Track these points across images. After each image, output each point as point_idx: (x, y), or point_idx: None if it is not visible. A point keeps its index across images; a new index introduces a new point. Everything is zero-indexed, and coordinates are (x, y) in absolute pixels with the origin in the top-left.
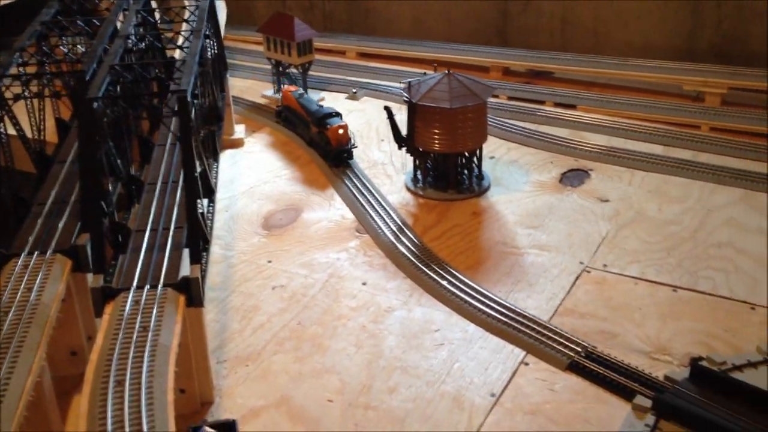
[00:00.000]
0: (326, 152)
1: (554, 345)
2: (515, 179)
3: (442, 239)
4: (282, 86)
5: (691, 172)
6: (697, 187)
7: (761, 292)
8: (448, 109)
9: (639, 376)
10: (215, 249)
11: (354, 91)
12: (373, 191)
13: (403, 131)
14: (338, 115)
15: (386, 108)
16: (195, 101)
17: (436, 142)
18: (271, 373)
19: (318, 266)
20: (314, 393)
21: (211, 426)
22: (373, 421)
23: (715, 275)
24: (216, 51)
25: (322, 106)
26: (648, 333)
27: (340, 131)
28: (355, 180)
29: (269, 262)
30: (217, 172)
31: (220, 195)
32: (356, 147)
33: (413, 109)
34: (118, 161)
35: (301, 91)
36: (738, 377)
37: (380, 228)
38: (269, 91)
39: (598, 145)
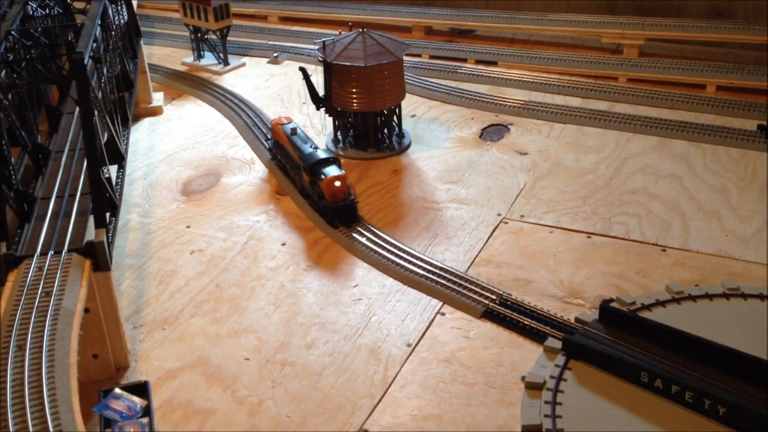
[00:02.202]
0: (320, 208)
1: (470, 294)
2: (436, 136)
3: (362, 197)
4: (274, 118)
5: (607, 123)
6: (613, 136)
7: (672, 234)
8: (364, 67)
9: (551, 320)
10: (133, 217)
11: (275, 55)
12: None
13: (322, 92)
14: (336, 161)
15: (301, 68)
16: (99, 66)
17: (354, 101)
18: (188, 336)
19: (237, 229)
20: (231, 352)
21: (123, 388)
22: (290, 376)
23: (628, 220)
24: (126, 17)
25: (316, 148)
26: (562, 278)
27: (337, 183)
28: None
29: (188, 227)
30: (127, 139)
31: (138, 163)
32: (357, 202)
33: (329, 69)
34: (23, 132)
35: (293, 125)
36: (646, 316)
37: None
38: (189, 58)
39: (518, 100)
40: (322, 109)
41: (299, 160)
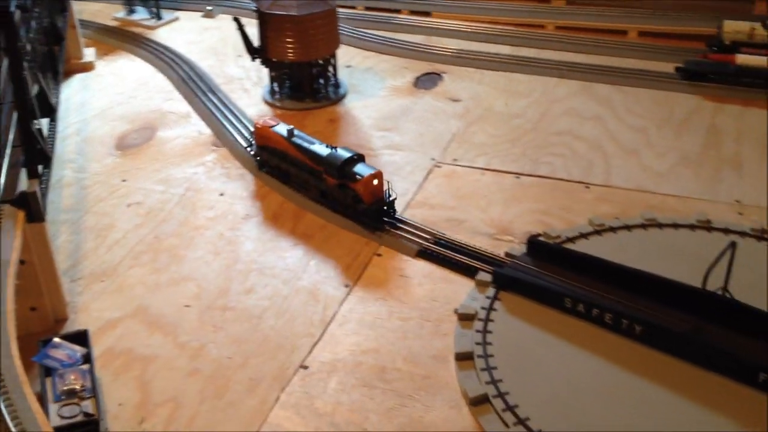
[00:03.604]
0: (356, 212)
1: (405, 235)
2: (371, 85)
3: None
4: (258, 121)
5: (536, 69)
6: (541, 82)
7: (595, 172)
8: (297, 16)
9: (483, 255)
10: (67, 173)
11: (209, 8)
12: (229, 106)
13: (257, 43)
14: (362, 157)
15: (235, 19)
16: (26, 16)
17: (289, 51)
18: (127, 286)
19: (175, 181)
20: (171, 300)
21: (63, 337)
22: (230, 320)
23: (555, 160)
24: None
25: (333, 147)
26: (492, 217)
27: (375, 182)
28: (211, 96)
29: (124, 181)
30: (58, 92)
31: (70, 119)
32: (395, 198)
33: (263, 19)
34: None
35: (287, 125)
36: (570, 248)
37: (237, 140)
38: (120, 13)
39: (451, 49)
40: (257, 61)
41: (316, 163)
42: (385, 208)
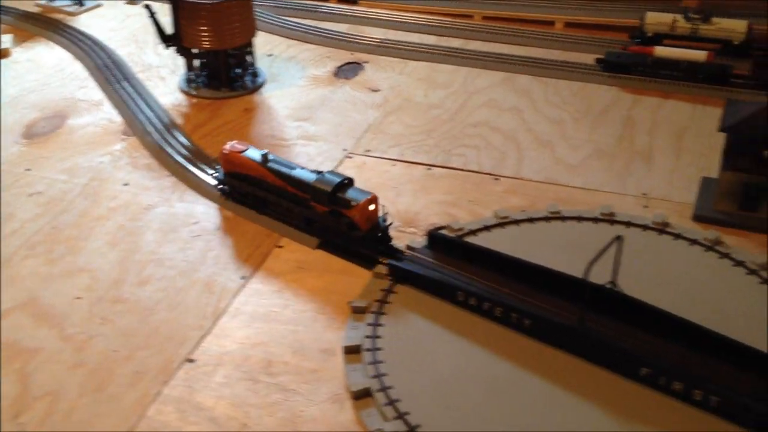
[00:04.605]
0: (349, 240)
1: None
2: (291, 75)
3: (211, 136)
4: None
5: (459, 59)
6: (463, 72)
7: (507, 164)
8: (211, 3)
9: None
10: None
11: None
12: (143, 94)
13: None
14: (351, 181)
15: (146, 6)
16: None
17: (204, 39)
18: (19, 278)
19: (79, 171)
20: (63, 292)
21: None
22: (121, 312)
23: (468, 152)
24: None
25: (320, 172)
26: (399, 209)
27: (371, 207)
28: (125, 84)
29: (28, 170)
30: None
31: None
32: (391, 223)
33: (176, 6)
34: None
35: (263, 151)
36: (471, 240)
37: (147, 129)
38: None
39: (375, 38)
40: (172, 49)
41: (300, 190)
42: (380, 234)
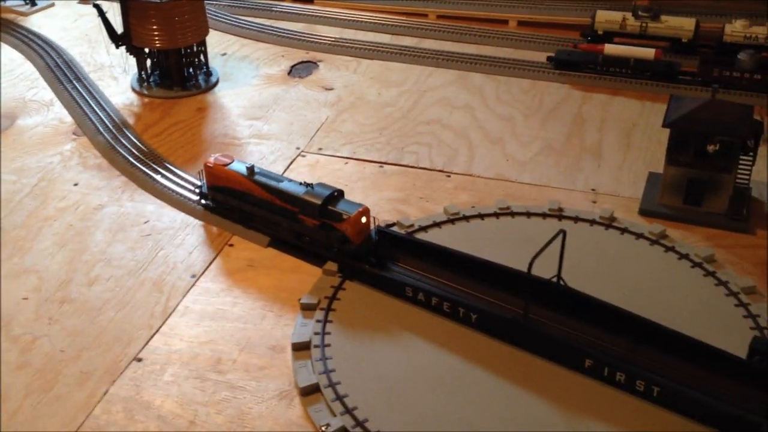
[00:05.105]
0: (340, 253)
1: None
2: (245, 74)
3: (162, 136)
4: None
5: (412, 58)
6: (416, 71)
7: (458, 161)
8: (161, 3)
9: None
10: None
11: None
12: (95, 94)
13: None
14: (341, 193)
15: (95, 5)
16: None
17: (155, 38)
18: None
19: (29, 171)
20: (10, 293)
21: None
22: (68, 313)
23: (420, 149)
24: None
25: (309, 185)
26: None
27: (363, 220)
28: (77, 84)
29: None
30: None
31: None
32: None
33: (126, 5)
34: None
35: (248, 164)
36: (422, 237)
37: (98, 129)
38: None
39: (329, 37)
40: (122, 48)
41: (289, 203)
42: (371, 246)
